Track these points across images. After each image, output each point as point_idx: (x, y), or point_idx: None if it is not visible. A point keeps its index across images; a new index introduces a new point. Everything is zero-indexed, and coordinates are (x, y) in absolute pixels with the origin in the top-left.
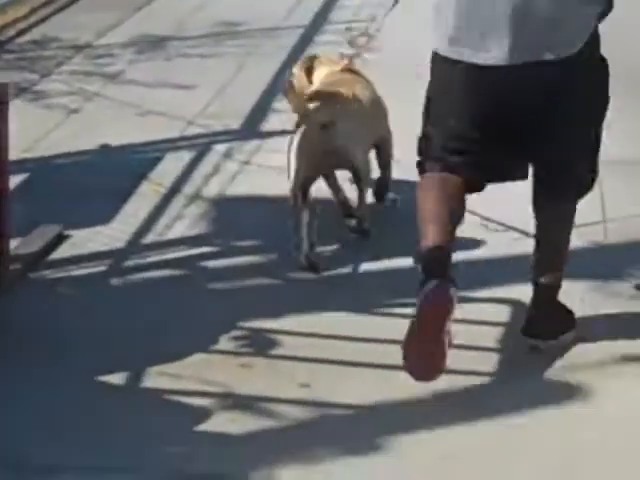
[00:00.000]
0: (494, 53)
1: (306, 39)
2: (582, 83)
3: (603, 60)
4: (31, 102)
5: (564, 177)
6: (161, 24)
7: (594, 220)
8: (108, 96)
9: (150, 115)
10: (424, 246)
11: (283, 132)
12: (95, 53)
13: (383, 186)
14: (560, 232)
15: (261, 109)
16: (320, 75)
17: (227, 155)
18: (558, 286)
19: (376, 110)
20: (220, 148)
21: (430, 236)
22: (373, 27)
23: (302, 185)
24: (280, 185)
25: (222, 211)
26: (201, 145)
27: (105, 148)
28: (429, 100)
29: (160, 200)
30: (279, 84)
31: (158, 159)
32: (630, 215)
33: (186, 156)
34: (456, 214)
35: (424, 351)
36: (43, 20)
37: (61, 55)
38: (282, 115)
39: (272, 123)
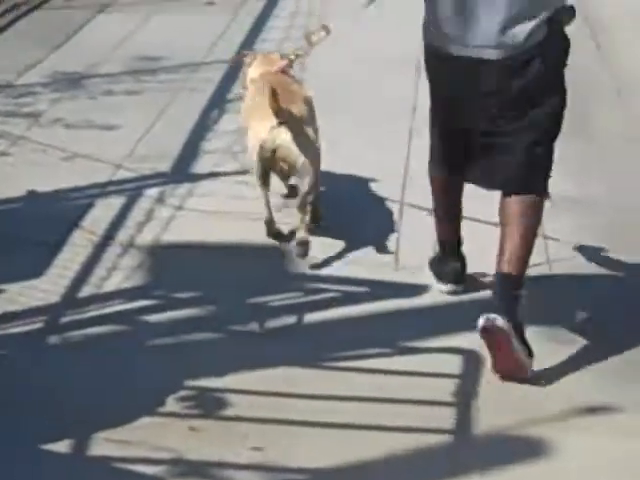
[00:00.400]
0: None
1: (231, 75)
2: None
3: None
4: None
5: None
6: (81, 61)
7: (539, 260)
8: (32, 139)
9: (76, 159)
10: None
11: (214, 174)
12: (16, 93)
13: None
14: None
15: (190, 150)
16: (255, 72)
17: (159, 200)
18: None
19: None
20: (151, 192)
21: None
22: (331, 25)
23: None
24: (216, 230)
25: (158, 260)
26: (131, 190)
27: (32, 195)
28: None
29: (93, 250)
30: (206, 123)
31: (88, 206)
32: (574, 255)
33: (117, 202)
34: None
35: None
36: None
37: None
38: (212, 156)
39: (203, 165)
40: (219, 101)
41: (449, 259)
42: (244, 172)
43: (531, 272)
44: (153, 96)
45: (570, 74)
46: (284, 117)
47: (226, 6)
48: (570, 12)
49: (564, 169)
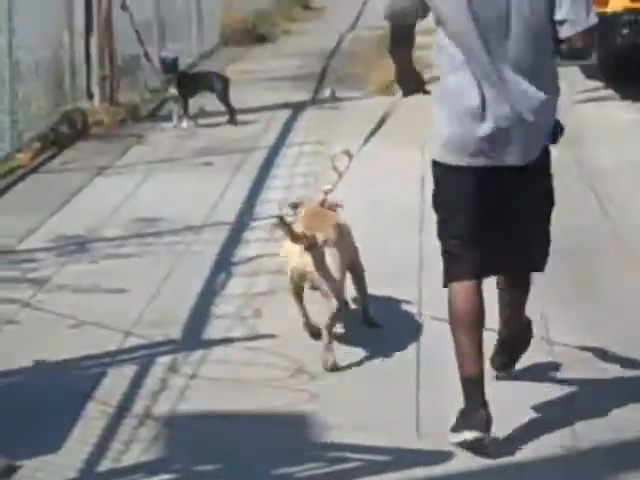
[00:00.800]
0: None
1: (234, 237)
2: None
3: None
4: None
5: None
6: (81, 225)
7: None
8: (39, 306)
9: (85, 326)
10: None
11: (225, 340)
12: (19, 258)
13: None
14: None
15: (200, 315)
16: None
17: (172, 368)
18: None
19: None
20: (164, 360)
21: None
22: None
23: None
24: (232, 399)
25: (176, 431)
26: (143, 357)
27: (41, 365)
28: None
29: (109, 422)
30: (213, 287)
31: (100, 375)
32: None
33: (129, 370)
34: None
35: None
36: None
37: None
38: (222, 321)
39: (213, 330)
40: (224, 264)
41: (475, 405)
42: (255, 338)
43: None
44: (157, 259)
45: (572, 229)
46: (304, 242)
47: (224, 166)
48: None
49: (572, 329)
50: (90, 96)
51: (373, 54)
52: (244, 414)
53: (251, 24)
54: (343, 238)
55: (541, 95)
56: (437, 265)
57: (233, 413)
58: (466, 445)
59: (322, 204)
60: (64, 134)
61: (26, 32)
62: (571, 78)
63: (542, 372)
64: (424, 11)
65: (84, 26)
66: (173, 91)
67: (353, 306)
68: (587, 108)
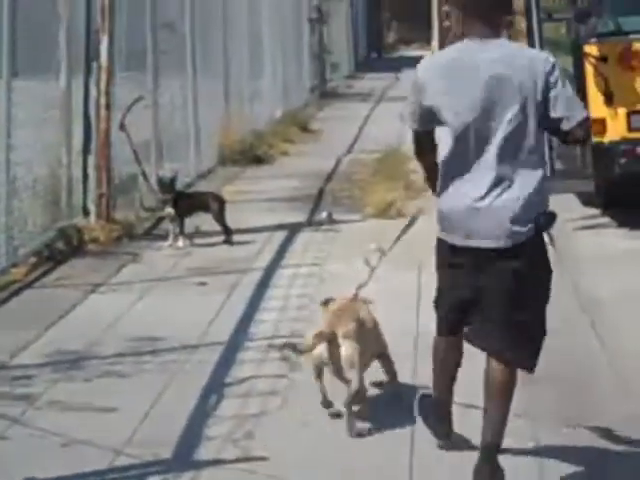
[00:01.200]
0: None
1: (228, 357)
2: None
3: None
4: None
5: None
6: (75, 342)
7: None
8: (29, 423)
9: (75, 444)
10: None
11: (216, 462)
12: (11, 375)
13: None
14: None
15: (191, 436)
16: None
17: None
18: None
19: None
20: None
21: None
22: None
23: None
24: None
25: None
26: (133, 477)
27: None
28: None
29: None
30: (205, 408)
31: None
32: None
33: None
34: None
35: None
36: None
37: None
38: (214, 443)
39: (206, 451)
40: (217, 385)
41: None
42: (247, 460)
43: None
44: (150, 378)
45: (566, 356)
46: (321, 342)
47: (218, 286)
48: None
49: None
50: (86, 213)
51: (370, 177)
52: None
53: (248, 145)
54: (365, 330)
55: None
56: None
57: None
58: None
59: (353, 299)
60: (59, 250)
61: (24, 149)
62: (567, 205)
63: None
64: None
65: (82, 145)
66: (169, 210)
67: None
68: (583, 235)
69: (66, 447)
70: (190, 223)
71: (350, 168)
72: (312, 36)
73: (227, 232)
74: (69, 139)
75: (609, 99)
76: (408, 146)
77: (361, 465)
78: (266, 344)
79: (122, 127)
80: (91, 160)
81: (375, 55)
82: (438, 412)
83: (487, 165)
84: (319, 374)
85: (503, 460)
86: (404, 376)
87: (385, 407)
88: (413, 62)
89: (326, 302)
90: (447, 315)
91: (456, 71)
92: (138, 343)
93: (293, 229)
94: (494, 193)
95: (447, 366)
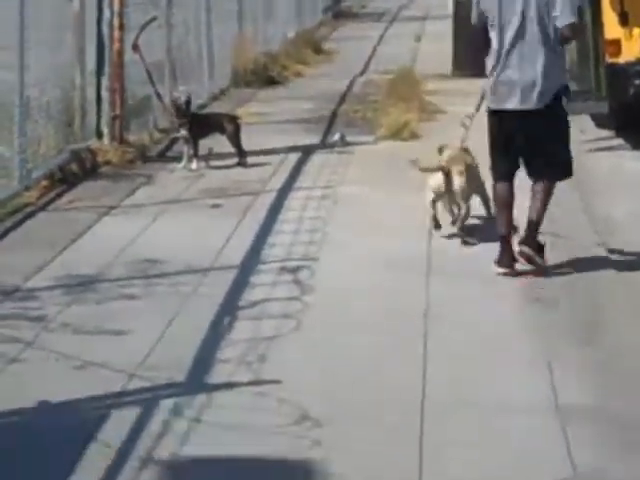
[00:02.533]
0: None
1: (241, 280)
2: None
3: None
4: None
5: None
6: (88, 264)
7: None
8: (42, 345)
9: (88, 367)
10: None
11: (229, 385)
12: (24, 297)
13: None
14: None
15: (204, 359)
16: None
17: (175, 412)
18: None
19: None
20: (167, 403)
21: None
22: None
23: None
24: (236, 444)
25: (178, 475)
26: (146, 400)
27: (44, 405)
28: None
29: (110, 464)
30: (218, 330)
31: (102, 417)
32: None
33: (131, 412)
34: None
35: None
36: None
37: None
38: (226, 366)
39: (218, 375)
40: (230, 307)
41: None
42: (259, 383)
43: None
44: (162, 301)
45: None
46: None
47: (232, 209)
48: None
49: (581, 379)
50: (99, 135)
51: (384, 98)
52: (247, 459)
53: (262, 66)
54: (470, 171)
55: (544, 69)
56: (444, 314)
57: (236, 458)
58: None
59: (461, 148)
60: (73, 172)
61: (37, 70)
62: (581, 126)
63: None
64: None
65: (96, 66)
66: (184, 132)
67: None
68: (597, 157)
69: (79, 369)
70: (203, 145)
71: (364, 89)
72: None
73: (241, 154)
74: (82, 60)
75: (624, 19)
76: (421, 67)
77: (375, 384)
78: (279, 267)
79: (135, 48)
80: (104, 82)
81: None
82: (502, 245)
83: (523, 50)
84: (434, 202)
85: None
86: None
87: None
88: None
89: (440, 148)
90: (502, 165)
91: None
92: (151, 266)
93: (307, 151)
94: (531, 70)
95: (505, 205)
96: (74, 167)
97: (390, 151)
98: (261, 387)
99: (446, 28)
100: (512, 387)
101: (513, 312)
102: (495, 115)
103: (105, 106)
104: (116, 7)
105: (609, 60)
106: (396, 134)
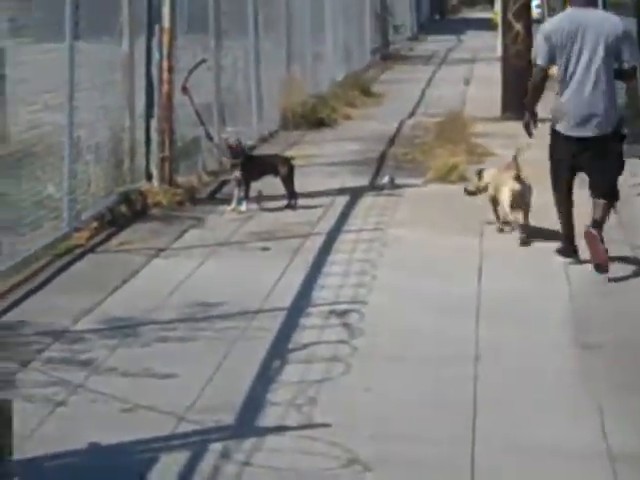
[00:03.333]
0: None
1: (291, 323)
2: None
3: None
4: (11, 393)
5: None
6: (137, 307)
7: None
8: (91, 388)
9: (138, 409)
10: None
11: (280, 428)
12: (73, 339)
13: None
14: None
15: (254, 401)
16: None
17: (225, 455)
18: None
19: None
20: (216, 447)
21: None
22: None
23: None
24: None
25: None
26: (195, 443)
27: (94, 448)
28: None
29: None
30: (268, 373)
31: (152, 460)
32: None
33: (181, 456)
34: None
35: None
36: (15, 304)
37: (38, 341)
38: (277, 409)
39: (268, 417)
40: (280, 350)
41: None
42: (309, 426)
43: None
44: (212, 343)
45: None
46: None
47: (281, 251)
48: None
49: (633, 425)
50: (149, 177)
51: (432, 141)
52: None
53: (310, 108)
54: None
55: (605, 102)
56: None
57: None
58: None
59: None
60: (122, 214)
61: (87, 112)
62: (631, 169)
63: None
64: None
65: (145, 108)
66: (237, 174)
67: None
68: None
69: (128, 412)
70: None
71: (412, 132)
72: None
73: (293, 196)
74: (132, 102)
75: None
76: (470, 109)
77: (426, 430)
78: (328, 310)
79: (185, 90)
80: (153, 123)
81: (438, 17)
82: (566, 240)
83: (591, 83)
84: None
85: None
86: None
87: None
88: (475, 24)
89: (479, 172)
90: (562, 179)
91: (571, 23)
92: (200, 308)
93: (355, 193)
94: (594, 103)
95: (565, 206)
96: (123, 209)
97: (439, 194)
98: (311, 430)
99: (494, 71)
100: (563, 432)
101: (564, 357)
102: (559, 136)
103: (154, 148)
104: (165, 49)
105: None
106: (445, 177)
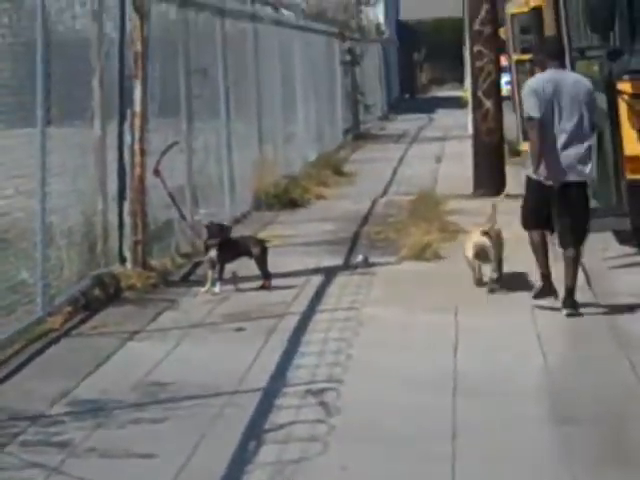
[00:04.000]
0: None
1: (267, 403)
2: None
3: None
4: None
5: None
6: (113, 390)
7: None
8: (68, 471)
9: None
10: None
11: None
12: (49, 422)
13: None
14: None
15: None
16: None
17: None
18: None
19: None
20: None
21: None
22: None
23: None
24: None
25: None
26: None
27: None
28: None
29: None
30: (245, 454)
31: None
32: None
33: None
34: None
35: None
36: None
37: (13, 426)
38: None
39: None
40: (257, 431)
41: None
42: None
43: None
44: (189, 424)
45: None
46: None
47: (256, 332)
48: None
49: None
50: (122, 260)
51: (405, 219)
52: None
53: (283, 188)
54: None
55: (580, 153)
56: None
57: None
58: (541, 306)
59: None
60: (96, 298)
61: (59, 196)
62: (604, 243)
63: None
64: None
65: (117, 191)
66: (212, 255)
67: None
68: (619, 274)
69: None
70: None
71: (385, 210)
72: (345, 78)
73: (267, 277)
74: (104, 186)
75: None
76: (442, 187)
77: None
78: (304, 389)
79: (157, 173)
80: (126, 206)
81: (408, 96)
82: (544, 281)
83: (571, 134)
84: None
85: None
86: None
87: None
88: (446, 103)
89: (486, 232)
90: (535, 220)
91: (551, 83)
92: (176, 390)
93: (330, 273)
94: (571, 153)
95: (542, 249)
96: (97, 292)
97: (413, 271)
98: None
99: (466, 148)
100: None
101: (541, 431)
102: (535, 182)
103: (127, 231)
104: (137, 133)
105: (629, 176)
106: (419, 255)
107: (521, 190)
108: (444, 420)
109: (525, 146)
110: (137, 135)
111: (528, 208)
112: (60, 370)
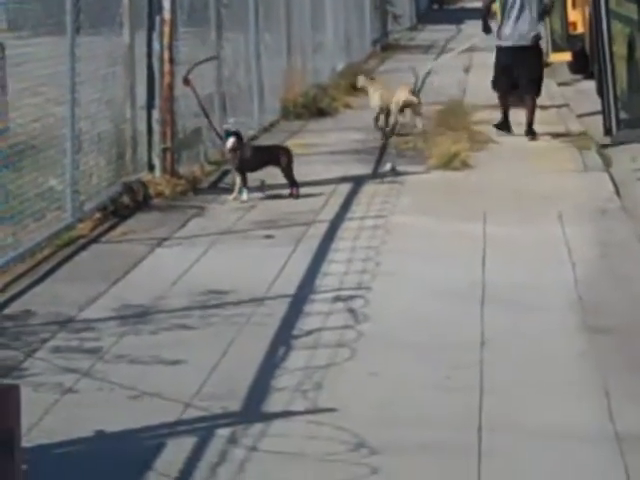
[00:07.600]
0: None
1: (295, 309)
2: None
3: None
4: (17, 382)
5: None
6: (141, 296)
7: None
8: (97, 376)
9: (144, 396)
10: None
11: (286, 414)
12: (78, 327)
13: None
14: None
15: (260, 388)
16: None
17: (231, 441)
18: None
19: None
20: (223, 432)
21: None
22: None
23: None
24: (295, 474)
25: None
26: (202, 429)
27: (100, 435)
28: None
29: None
30: (274, 360)
31: (158, 446)
32: None
33: (188, 442)
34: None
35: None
36: (20, 294)
37: (43, 330)
38: (283, 394)
39: (274, 404)
40: (285, 337)
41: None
42: (315, 411)
43: None
44: (217, 331)
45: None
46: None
47: (284, 240)
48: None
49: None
50: (151, 168)
51: (433, 128)
52: None
53: (311, 98)
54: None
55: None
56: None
57: None
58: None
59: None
60: (125, 205)
61: (89, 104)
62: (632, 154)
63: None
64: None
65: (146, 99)
66: (235, 163)
67: None
68: None
69: (135, 400)
70: (255, 177)
71: (413, 120)
72: None
73: (294, 185)
74: (133, 94)
75: None
76: (470, 97)
77: (431, 412)
78: (332, 296)
79: (186, 81)
80: (155, 114)
81: (436, 7)
82: (504, 117)
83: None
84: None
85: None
86: None
87: None
88: (474, 14)
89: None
90: (502, 83)
91: None
92: (204, 296)
93: (358, 181)
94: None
95: (504, 98)
96: (126, 199)
97: (441, 181)
98: (317, 415)
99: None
100: (569, 415)
101: (571, 340)
102: (500, 50)
103: (156, 139)
104: (166, 41)
105: None
106: (447, 164)
107: (550, 102)
108: (473, 329)
109: (555, 57)
110: (166, 43)
111: (496, 69)
112: (89, 276)
